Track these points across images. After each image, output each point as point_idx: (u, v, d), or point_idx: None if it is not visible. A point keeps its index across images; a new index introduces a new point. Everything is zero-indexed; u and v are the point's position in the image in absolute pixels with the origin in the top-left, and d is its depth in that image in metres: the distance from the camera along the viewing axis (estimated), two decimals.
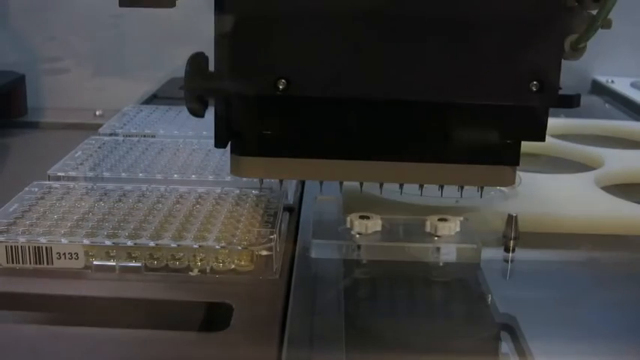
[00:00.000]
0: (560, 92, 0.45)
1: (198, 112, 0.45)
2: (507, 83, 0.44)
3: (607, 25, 0.45)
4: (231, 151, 0.47)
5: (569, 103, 0.46)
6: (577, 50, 0.45)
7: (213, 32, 0.43)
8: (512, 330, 0.44)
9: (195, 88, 0.44)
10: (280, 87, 0.43)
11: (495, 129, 0.46)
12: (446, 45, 0.44)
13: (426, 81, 0.44)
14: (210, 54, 0.44)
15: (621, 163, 0.68)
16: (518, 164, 0.48)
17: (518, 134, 0.47)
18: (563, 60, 0.44)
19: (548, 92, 0.44)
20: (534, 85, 0.44)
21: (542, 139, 0.47)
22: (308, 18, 0.43)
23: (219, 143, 0.45)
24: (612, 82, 1.06)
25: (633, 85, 1.04)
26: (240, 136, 0.46)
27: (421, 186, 0.49)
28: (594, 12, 0.44)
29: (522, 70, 0.44)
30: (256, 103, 0.45)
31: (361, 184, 0.50)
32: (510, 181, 0.48)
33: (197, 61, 0.44)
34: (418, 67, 0.44)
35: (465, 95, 0.44)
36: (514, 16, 0.44)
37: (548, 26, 0.44)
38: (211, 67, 0.44)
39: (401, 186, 0.50)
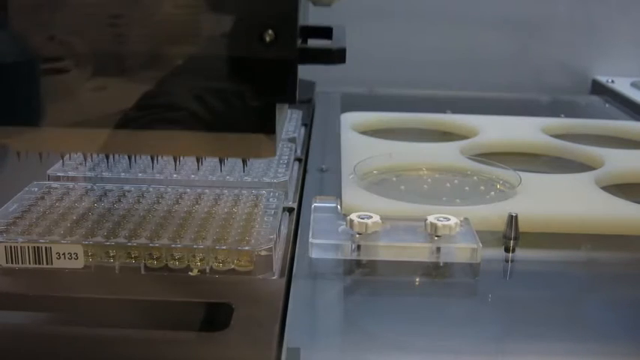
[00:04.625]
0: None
1: None
2: (234, 32, 0.38)
3: None
4: None
5: (326, 58, 0.41)
6: None
7: None
8: (512, 330, 0.44)
9: None
10: None
11: (234, 89, 0.39)
12: None
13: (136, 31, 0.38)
14: None
15: (621, 163, 0.68)
16: (273, 132, 0.40)
17: (263, 95, 0.39)
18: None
19: (284, 43, 0.38)
20: (268, 35, 0.38)
21: (293, 100, 0.40)
22: None
23: None
24: (612, 82, 1.06)
25: (633, 85, 1.04)
26: None
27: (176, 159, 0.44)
28: None
29: (250, 17, 0.38)
30: None
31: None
32: (269, 153, 0.41)
33: None
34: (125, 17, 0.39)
35: (184, 45, 0.39)
36: None
37: None
38: None
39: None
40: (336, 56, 0.41)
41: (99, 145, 0.41)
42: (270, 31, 0.38)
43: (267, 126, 0.40)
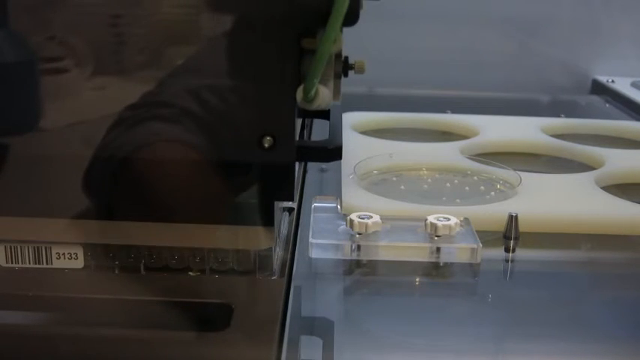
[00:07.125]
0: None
1: None
2: (234, 137, 0.41)
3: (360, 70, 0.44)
4: None
5: (323, 156, 0.44)
6: (310, 101, 0.40)
7: None
8: (512, 330, 0.44)
9: None
10: None
11: (235, 190, 0.43)
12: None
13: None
14: None
15: (621, 163, 0.68)
16: (272, 225, 0.44)
17: (262, 195, 0.43)
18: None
19: (282, 148, 0.41)
20: (267, 141, 0.41)
21: (291, 198, 0.43)
22: None
23: None
24: (612, 81, 1.06)
25: (633, 85, 1.04)
26: None
27: None
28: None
29: (249, 125, 0.41)
30: None
31: None
32: (268, 243, 0.44)
33: None
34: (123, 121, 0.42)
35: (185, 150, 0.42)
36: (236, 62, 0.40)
37: (275, 75, 0.40)
38: None
39: None
40: (333, 154, 0.44)
41: (99, 233, 0.44)
42: (268, 138, 0.41)
43: (266, 220, 0.43)
